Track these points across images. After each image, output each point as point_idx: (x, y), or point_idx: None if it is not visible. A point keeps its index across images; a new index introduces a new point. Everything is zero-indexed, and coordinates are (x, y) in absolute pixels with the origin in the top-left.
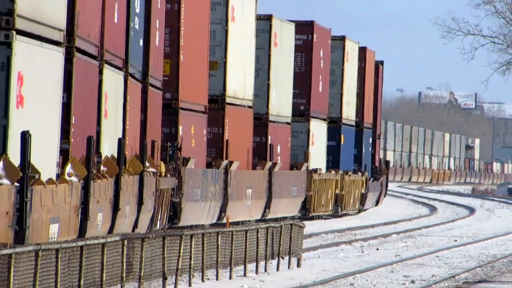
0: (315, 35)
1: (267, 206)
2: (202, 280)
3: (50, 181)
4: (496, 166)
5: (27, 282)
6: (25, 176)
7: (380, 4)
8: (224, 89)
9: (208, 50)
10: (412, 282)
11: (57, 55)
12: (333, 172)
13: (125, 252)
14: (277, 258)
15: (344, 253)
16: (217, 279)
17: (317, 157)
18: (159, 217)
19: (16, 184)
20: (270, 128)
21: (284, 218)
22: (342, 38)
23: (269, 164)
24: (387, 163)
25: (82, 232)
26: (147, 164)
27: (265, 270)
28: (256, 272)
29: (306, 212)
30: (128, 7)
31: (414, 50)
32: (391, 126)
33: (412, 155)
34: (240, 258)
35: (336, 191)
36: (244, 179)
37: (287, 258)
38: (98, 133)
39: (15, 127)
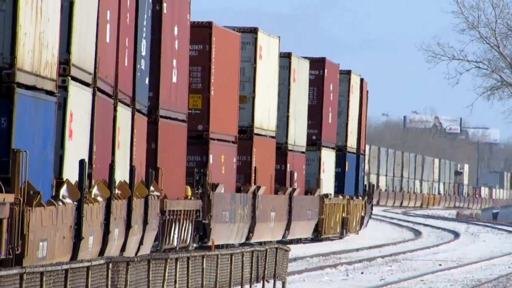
0: (326, 70)
1: (287, 227)
2: None
3: (88, 200)
4: (485, 191)
5: None
6: (82, 196)
7: (365, 29)
8: (252, 121)
9: (239, 85)
10: None
11: (88, 95)
12: (340, 197)
13: (109, 275)
14: (262, 282)
15: (329, 276)
16: None
17: (327, 183)
18: (174, 233)
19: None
20: (289, 156)
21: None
22: (348, 72)
23: (289, 189)
24: (372, 186)
25: (104, 243)
26: (152, 188)
27: None
28: None
29: (318, 234)
30: (135, 51)
31: (399, 75)
32: (383, 151)
33: (403, 180)
34: (225, 281)
35: (343, 215)
36: (268, 203)
37: (272, 281)
38: (113, 162)
39: (68, 156)
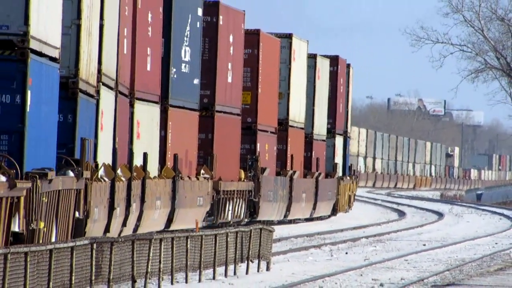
0: (339, 67)
1: (314, 207)
2: (172, 283)
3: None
4: (474, 173)
5: None
6: (115, 176)
7: (349, 13)
8: (288, 114)
9: (278, 84)
10: (381, 285)
11: (112, 96)
12: (348, 178)
13: (94, 255)
14: (246, 262)
15: (313, 256)
16: (186, 282)
17: (339, 166)
18: (228, 210)
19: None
20: (314, 144)
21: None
22: (348, 66)
23: (316, 174)
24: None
25: (126, 214)
26: (202, 171)
27: (235, 273)
28: (225, 275)
29: (334, 212)
30: (169, 57)
31: (384, 58)
32: (379, 135)
33: (397, 163)
34: (209, 261)
35: (349, 193)
36: (301, 186)
37: (256, 261)
38: (130, 150)
39: (100, 144)
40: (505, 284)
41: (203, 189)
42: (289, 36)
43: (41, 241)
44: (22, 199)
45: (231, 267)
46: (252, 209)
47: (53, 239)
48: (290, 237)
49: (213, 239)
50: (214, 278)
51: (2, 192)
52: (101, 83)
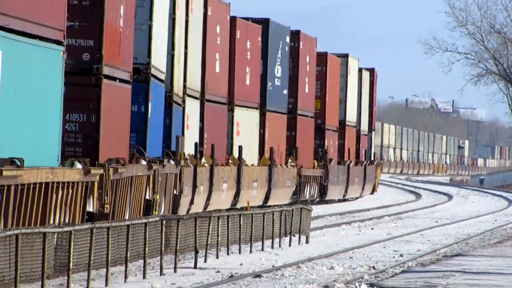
0: (374, 77)
1: (362, 188)
2: (227, 254)
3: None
4: (480, 161)
5: (84, 255)
6: (213, 162)
7: (375, 26)
8: (345, 116)
9: (339, 93)
10: (401, 255)
11: (197, 104)
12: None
13: (163, 230)
14: (289, 236)
15: (344, 231)
16: (239, 253)
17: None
18: (307, 191)
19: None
20: (361, 138)
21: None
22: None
23: (365, 162)
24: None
25: (210, 192)
26: (289, 160)
27: (279, 245)
28: (272, 247)
29: (373, 191)
30: (266, 75)
31: (402, 64)
32: (405, 130)
33: (420, 153)
34: (258, 235)
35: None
36: (354, 172)
37: (297, 236)
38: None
39: (186, 139)
40: (503, 254)
41: (290, 174)
42: (346, 56)
43: (155, 212)
44: (95, 183)
45: (276, 240)
46: (322, 191)
47: (162, 210)
48: (325, 215)
49: (262, 217)
50: (262, 249)
51: (78, 178)
52: (186, 95)
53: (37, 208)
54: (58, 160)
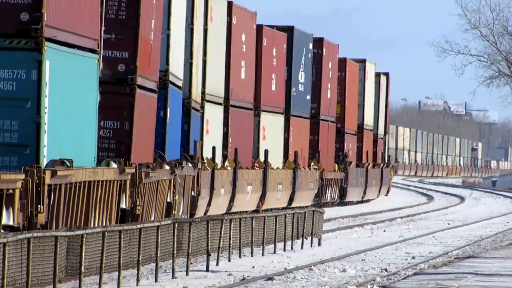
0: (389, 81)
1: (379, 190)
2: (240, 256)
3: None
4: (493, 163)
5: (96, 258)
6: (236, 166)
7: (387, 29)
8: (363, 120)
9: (357, 97)
10: (413, 257)
11: (220, 109)
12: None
13: (175, 233)
14: (301, 238)
15: (357, 234)
16: (251, 256)
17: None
18: (328, 193)
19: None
20: (378, 141)
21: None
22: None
23: (382, 164)
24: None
25: (233, 194)
26: (312, 163)
27: (292, 248)
28: (284, 249)
29: (387, 192)
30: (290, 81)
31: (415, 66)
32: (419, 133)
33: (434, 156)
34: (271, 238)
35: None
36: (372, 174)
37: (309, 238)
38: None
39: (205, 144)
40: None
41: (313, 177)
42: (363, 61)
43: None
44: (128, 182)
45: (288, 243)
46: (341, 193)
47: (180, 211)
48: (337, 218)
49: (274, 220)
50: (275, 252)
51: (114, 176)
52: (205, 101)
53: (81, 205)
54: (94, 161)
